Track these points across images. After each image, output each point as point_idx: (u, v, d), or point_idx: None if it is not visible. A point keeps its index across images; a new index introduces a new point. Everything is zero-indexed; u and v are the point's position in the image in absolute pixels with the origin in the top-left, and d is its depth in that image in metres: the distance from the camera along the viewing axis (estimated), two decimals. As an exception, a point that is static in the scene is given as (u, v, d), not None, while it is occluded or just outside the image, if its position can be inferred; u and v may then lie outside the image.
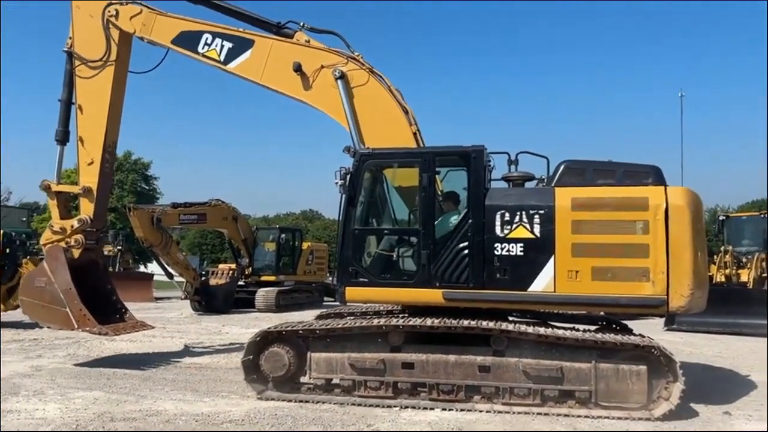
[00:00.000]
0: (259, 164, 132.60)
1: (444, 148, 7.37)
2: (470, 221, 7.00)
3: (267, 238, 23.84)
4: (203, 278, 21.38)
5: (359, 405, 6.87)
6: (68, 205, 10.12)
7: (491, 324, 6.73)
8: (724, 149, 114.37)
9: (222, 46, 9.13)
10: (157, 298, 26.04)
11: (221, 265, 24.65)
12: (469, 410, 6.66)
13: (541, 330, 6.68)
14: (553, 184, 7.05)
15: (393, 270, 7.45)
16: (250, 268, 22.58)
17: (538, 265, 6.80)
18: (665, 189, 6.69)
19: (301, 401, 7.01)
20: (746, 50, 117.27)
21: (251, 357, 7.19)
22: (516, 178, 7.36)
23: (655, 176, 6.91)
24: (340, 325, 7.10)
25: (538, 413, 6.54)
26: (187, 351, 11.42)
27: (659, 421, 6.30)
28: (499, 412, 6.60)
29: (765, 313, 14.94)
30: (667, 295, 6.50)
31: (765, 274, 18.72)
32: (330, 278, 28.62)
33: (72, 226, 9.56)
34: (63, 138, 9.92)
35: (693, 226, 6.59)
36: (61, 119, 9.89)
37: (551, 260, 6.76)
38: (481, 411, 6.63)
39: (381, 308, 8.82)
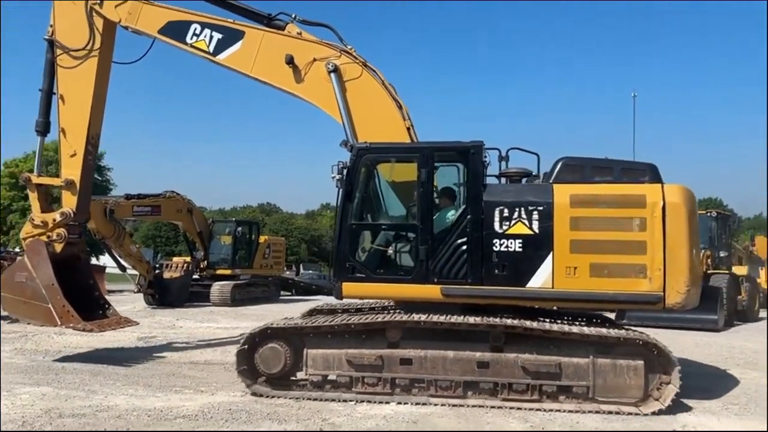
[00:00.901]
0: (217, 156, 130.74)
1: (442, 143, 7.31)
2: (469, 217, 6.98)
3: (223, 231, 23.50)
4: (157, 271, 20.88)
5: (356, 401, 6.79)
6: (49, 197, 9.72)
7: (513, 321, 6.76)
8: (673, 150, 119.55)
9: (211, 37, 8.88)
10: (110, 291, 25.09)
11: (175, 258, 24.12)
12: (424, 404, 6.69)
13: (549, 326, 6.72)
14: (551, 181, 7.07)
15: (390, 265, 7.35)
16: (205, 262, 22.15)
17: (536, 262, 6.82)
18: (662, 186, 6.80)
19: (295, 398, 6.88)
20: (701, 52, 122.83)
21: (246, 348, 7.01)
22: (513, 174, 7.37)
23: (651, 174, 7.01)
24: (344, 322, 6.97)
25: (529, 409, 6.58)
26: (139, 345, 11.15)
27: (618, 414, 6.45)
28: (455, 405, 6.63)
29: (711, 309, 15.57)
30: (664, 291, 6.62)
31: (710, 271, 19.47)
32: (288, 272, 28.19)
33: (54, 220, 9.20)
34: (44, 129, 9.57)
35: (689, 223, 6.72)
36: (41, 110, 9.51)
37: (549, 256, 6.79)
38: (436, 404, 6.65)
39: (373, 304, 8.77)
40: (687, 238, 6.69)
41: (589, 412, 6.50)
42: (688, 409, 6.80)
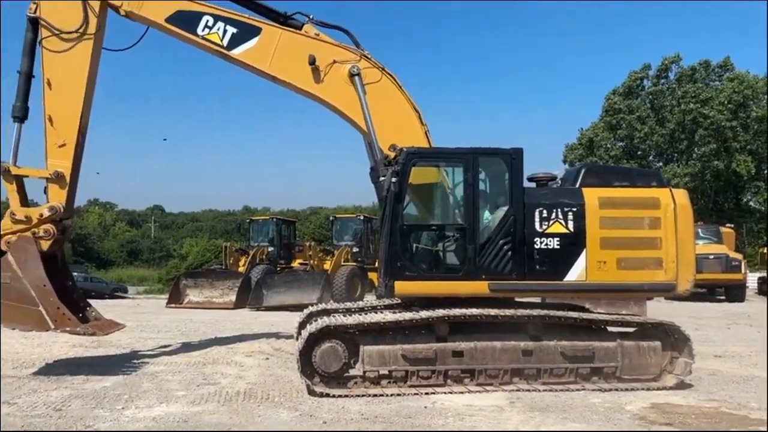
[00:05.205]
0: None
1: (486, 148, 7.81)
2: (512, 217, 7.58)
3: None
4: None
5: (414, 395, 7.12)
6: (25, 191, 8.72)
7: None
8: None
9: (225, 31, 8.68)
10: None
11: None
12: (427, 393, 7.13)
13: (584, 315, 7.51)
14: (577, 185, 7.87)
15: (440, 264, 7.76)
16: None
17: (572, 257, 7.58)
18: (671, 190, 7.86)
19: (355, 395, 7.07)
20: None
21: (306, 350, 7.08)
22: (542, 179, 8.06)
23: (657, 180, 8.08)
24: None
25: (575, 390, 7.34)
26: None
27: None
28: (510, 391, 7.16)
29: None
30: (677, 280, 7.67)
31: None
32: None
33: (41, 215, 8.39)
34: (23, 115, 8.65)
35: (692, 222, 7.84)
36: (19, 93, 8.62)
37: (583, 252, 7.58)
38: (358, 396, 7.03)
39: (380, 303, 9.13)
40: (692, 235, 7.82)
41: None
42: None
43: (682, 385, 7.50)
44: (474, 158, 7.67)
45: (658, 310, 13.04)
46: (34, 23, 8.53)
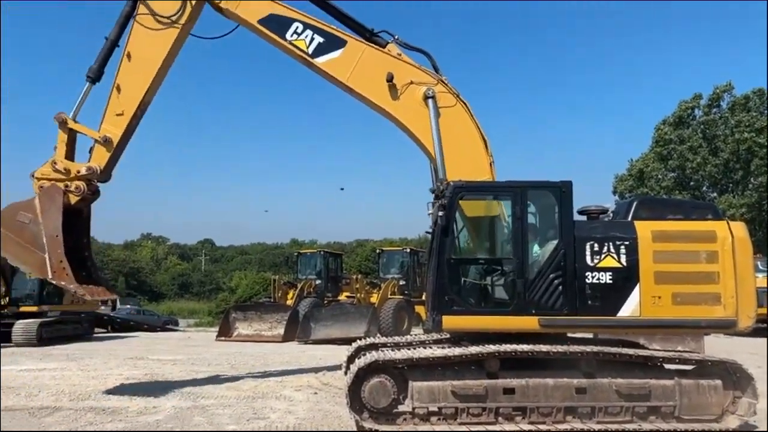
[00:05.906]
0: (18, 180, 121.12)
1: (535, 182, 7.77)
2: (562, 251, 7.46)
3: None
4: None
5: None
6: (74, 146, 9.33)
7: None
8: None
9: (312, 39, 9.08)
10: None
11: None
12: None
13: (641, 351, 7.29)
14: (629, 218, 7.72)
15: (488, 298, 7.67)
16: (7, 299, 20.34)
17: (625, 292, 7.39)
18: (728, 223, 7.62)
19: (403, 432, 6.99)
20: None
21: (355, 385, 7.05)
22: (593, 212, 7.94)
23: (713, 212, 7.86)
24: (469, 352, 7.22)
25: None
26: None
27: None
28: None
29: None
30: (737, 316, 7.39)
31: None
32: (103, 307, 26.48)
33: (78, 171, 9.00)
34: (96, 77, 9.36)
35: (751, 255, 7.58)
36: (100, 57, 9.34)
37: (637, 287, 7.39)
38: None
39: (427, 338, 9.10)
40: (751, 268, 7.54)
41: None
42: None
43: (746, 427, 7.22)
44: (522, 192, 7.61)
45: (717, 346, 12.65)
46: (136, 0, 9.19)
